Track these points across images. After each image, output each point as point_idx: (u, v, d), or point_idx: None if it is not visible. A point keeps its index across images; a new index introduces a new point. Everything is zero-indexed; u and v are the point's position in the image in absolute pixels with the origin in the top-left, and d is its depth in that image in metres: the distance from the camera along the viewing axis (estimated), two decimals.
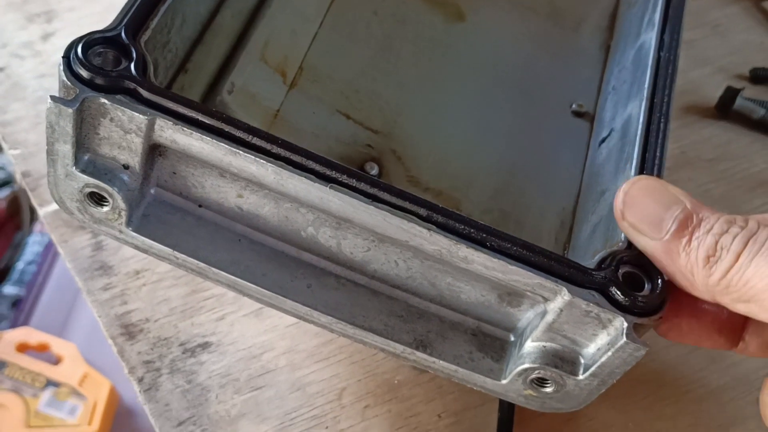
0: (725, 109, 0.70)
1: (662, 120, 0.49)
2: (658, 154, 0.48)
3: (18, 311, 1.21)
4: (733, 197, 0.65)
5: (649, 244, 0.41)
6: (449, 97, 0.58)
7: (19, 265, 1.28)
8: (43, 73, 0.70)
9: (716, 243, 0.38)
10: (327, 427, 0.52)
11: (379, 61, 0.58)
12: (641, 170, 0.47)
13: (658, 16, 0.56)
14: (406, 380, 0.54)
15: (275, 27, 0.54)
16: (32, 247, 1.30)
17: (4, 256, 1.32)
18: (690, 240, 0.39)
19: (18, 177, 0.65)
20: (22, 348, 1.11)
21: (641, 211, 0.41)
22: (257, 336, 0.56)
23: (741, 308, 0.38)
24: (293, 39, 0.55)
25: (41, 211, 0.61)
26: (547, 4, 0.66)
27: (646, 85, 0.51)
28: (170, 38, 0.47)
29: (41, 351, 1.12)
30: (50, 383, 1.07)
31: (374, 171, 0.52)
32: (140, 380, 0.53)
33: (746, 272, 0.37)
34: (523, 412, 0.53)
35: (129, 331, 0.55)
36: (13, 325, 1.19)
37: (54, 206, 0.61)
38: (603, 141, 0.56)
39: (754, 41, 0.76)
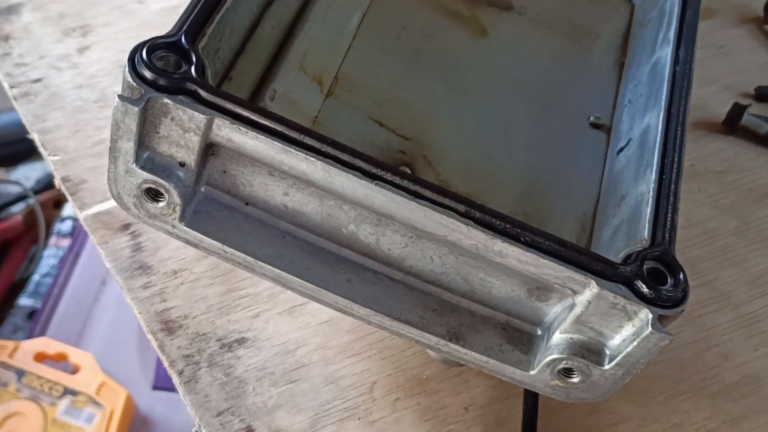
0: (732, 124, 0.73)
1: (679, 128, 0.53)
2: (676, 159, 0.51)
3: (34, 323, 1.23)
4: (741, 207, 0.68)
5: None
6: (474, 106, 0.61)
7: (35, 277, 1.30)
8: (80, 84, 0.73)
9: None
10: (360, 418, 0.55)
11: (409, 72, 0.61)
12: (661, 174, 0.50)
13: (672, 34, 0.59)
14: (434, 375, 0.57)
15: (312, 39, 0.58)
16: (48, 260, 1.32)
17: (20, 268, 1.35)
18: None
19: (57, 182, 0.67)
20: (40, 357, 1.13)
21: None
22: (291, 332, 0.58)
23: None
24: (329, 50, 0.59)
25: (81, 215, 0.64)
26: (563, 22, 0.69)
27: (664, 97, 0.55)
28: (220, 46, 0.50)
29: (59, 360, 1.14)
30: (68, 392, 1.09)
31: None
32: (180, 373, 0.56)
33: None
34: (547, 405, 0.55)
35: (168, 327, 0.58)
36: (29, 336, 1.20)
37: (94, 209, 0.64)
38: (621, 150, 0.59)
39: (758, 61, 0.79)
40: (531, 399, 0.55)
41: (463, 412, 0.56)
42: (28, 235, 1.37)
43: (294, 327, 0.59)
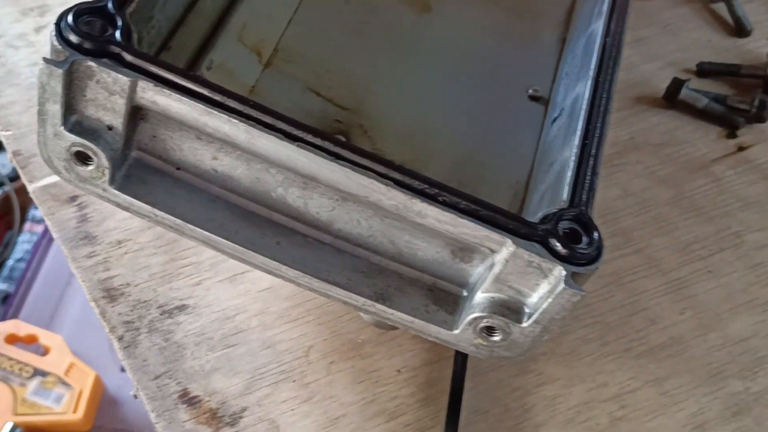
0: (672, 98, 0.75)
1: (605, 96, 0.54)
2: (599, 125, 0.52)
3: (7, 306, 1.25)
4: (677, 178, 0.70)
5: None
6: (415, 79, 0.62)
7: (9, 262, 1.31)
8: (35, 62, 0.74)
9: None
10: (294, 381, 0.56)
11: (350, 45, 0.62)
12: (584, 140, 0.51)
13: (606, 7, 0.60)
14: (369, 339, 0.58)
15: (252, 11, 0.59)
16: (22, 245, 1.33)
17: None
18: None
19: (9, 156, 0.68)
20: (11, 339, 1.14)
21: None
22: (231, 299, 0.59)
23: None
24: (269, 23, 0.60)
25: (31, 187, 0.65)
26: None
27: (592, 67, 0.56)
28: (154, 15, 0.51)
29: (29, 343, 1.15)
30: (38, 373, 1.10)
31: None
32: (120, 338, 0.57)
33: None
34: (477, 366, 0.57)
35: (111, 295, 0.59)
36: (2, 319, 1.22)
37: (43, 181, 0.65)
38: (555, 120, 0.60)
39: (702, 39, 0.81)
40: (460, 360, 0.56)
41: (396, 374, 0.57)
42: (3, 221, 1.39)
43: (234, 294, 0.60)
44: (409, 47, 0.64)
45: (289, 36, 0.60)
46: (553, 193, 0.52)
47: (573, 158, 0.50)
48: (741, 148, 0.73)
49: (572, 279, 0.44)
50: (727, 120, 0.74)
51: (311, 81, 0.59)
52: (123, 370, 1.17)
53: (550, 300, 0.45)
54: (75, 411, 1.08)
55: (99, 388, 1.12)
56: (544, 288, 0.45)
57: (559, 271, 0.44)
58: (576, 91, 0.57)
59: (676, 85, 0.74)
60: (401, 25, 0.65)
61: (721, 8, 0.84)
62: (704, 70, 0.78)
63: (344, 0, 0.64)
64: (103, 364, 1.15)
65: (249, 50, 0.58)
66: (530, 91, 0.64)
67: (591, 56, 0.57)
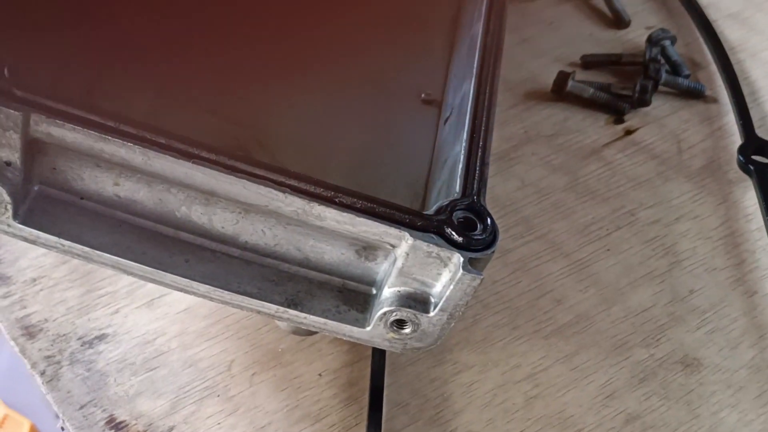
0: (560, 91, 0.78)
1: (488, 91, 0.57)
2: (484, 118, 0.55)
3: None
4: (570, 165, 0.73)
5: None
6: (309, 92, 0.64)
7: None
8: None
9: None
10: (218, 395, 0.57)
11: (243, 60, 0.64)
12: (472, 134, 0.54)
13: (484, 8, 0.63)
14: (289, 347, 0.60)
15: None
16: None
17: None
18: None
19: None
20: None
21: None
22: (150, 324, 0.60)
23: None
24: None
25: None
26: (395, 9, 0.73)
27: (475, 65, 0.59)
28: None
29: None
30: None
31: None
32: (42, 373, 0.57)
33: None
34: (395, 362, 0.59)
35: (29, 332, 0.59)
36: None
37: None
38: (447, 120, 0.63)
39: (584, 33, 0.85)
40: (378, 357, 0.58)
41: (317, 378, 0.58)
42: None
43: (153, 318, 0.61)
44: (302, 59, 0.66)
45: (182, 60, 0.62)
46: (448, 187, 0.54)
47: (463, 152, 0.53)
48: (628, 132, 0.77)
49: (471, 264, 0.46)
50: (612, 106, 0.78)
51: (205, 102, 0.60)
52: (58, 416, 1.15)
53: (452, 287, 0.47)
54: None
55: None
56: (446, 276, 0.47)
57: (458, 258, 0.46)
58: (463, 90, 0.60)
59: (563, 77, 0.77)
60: (292, 39, 0.67)
61: (600, 3, 0.89)
62: (588, 62, 0.82)
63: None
64: (38, 413, 1.14)
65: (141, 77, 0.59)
66: (423, 95, 0.67)
67: (474, 56, 0.60)
